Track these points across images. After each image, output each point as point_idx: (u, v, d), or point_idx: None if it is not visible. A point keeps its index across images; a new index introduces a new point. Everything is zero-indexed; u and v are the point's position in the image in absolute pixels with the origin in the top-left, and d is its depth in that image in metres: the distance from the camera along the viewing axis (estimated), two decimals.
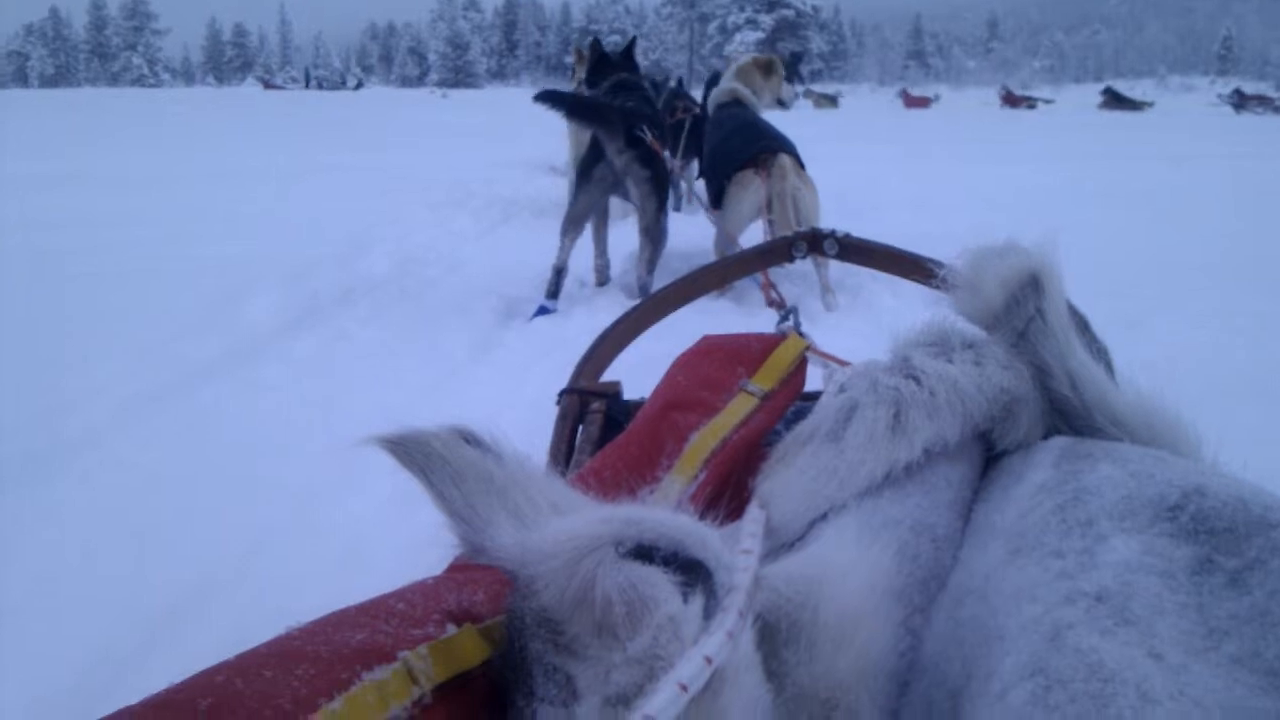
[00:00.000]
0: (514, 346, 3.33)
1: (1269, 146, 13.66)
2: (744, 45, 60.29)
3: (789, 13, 61.89)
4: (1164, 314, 3.59)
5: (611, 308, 3.46)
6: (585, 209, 3.92)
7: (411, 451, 0.59)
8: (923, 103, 28.51)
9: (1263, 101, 26.51)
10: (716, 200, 4.15)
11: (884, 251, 1.79)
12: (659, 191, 3.82)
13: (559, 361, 1.60)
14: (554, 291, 3.87)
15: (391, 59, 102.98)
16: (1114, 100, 28.46)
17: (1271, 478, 0.66)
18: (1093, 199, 7.27)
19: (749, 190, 3.92)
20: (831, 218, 4.08)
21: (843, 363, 1.56)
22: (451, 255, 4.94)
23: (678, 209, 6.00)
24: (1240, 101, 25.92)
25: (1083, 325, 0.96)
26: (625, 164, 3.73)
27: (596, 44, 4.83)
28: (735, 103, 4.65)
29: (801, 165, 4.01)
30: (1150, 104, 28.75)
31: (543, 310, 3.77)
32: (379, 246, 4.95)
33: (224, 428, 2.59)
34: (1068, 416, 0.76)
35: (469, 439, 0.61)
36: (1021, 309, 0.79)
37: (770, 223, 3.82)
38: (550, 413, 1.41)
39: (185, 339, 3.26)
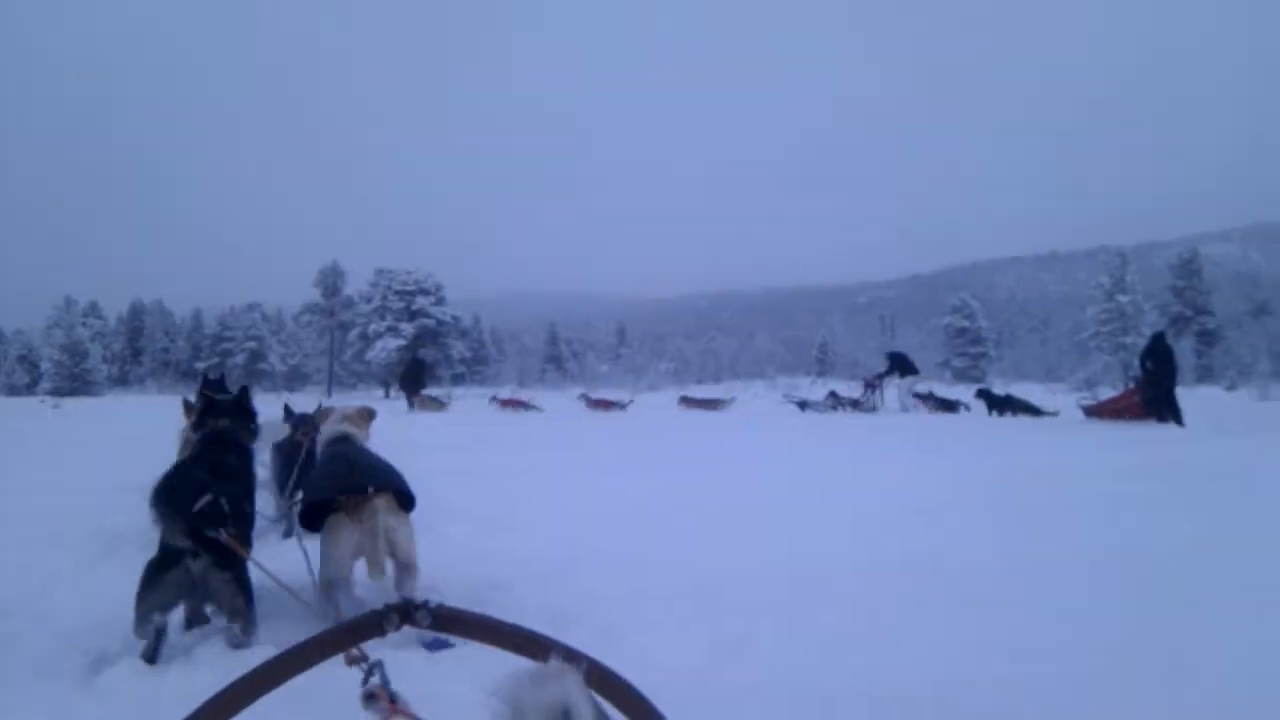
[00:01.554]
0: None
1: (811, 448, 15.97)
2: (385, 351, 61.60)
3: (430, 322, 64.26)
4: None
5: (213, 663, 3.34)
6: (158, 611, 3.53)
7: None
8: (520, 404, 30.63)
9: (837, 400, 31.20)
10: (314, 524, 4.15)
11: (479, 623, 1.83)
12: (243, 590, 3.65)
13: None
14: (151, 656, 3.51)
15: None
16: (691, 401, 32.50)
17: None
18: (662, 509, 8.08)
19: (342, 534, 3.92)
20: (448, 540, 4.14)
21: None
22: (38, 602, 4.51)
23: (288, 535, 5.94)
24: (803, 403, 30.28)
25: None
26: (201, 570, 3.54)
27: (203, 388, 4.80)
28: (343, 438, 4.83)
29: (404, 497, 4.08)
30: (731, 400, 32.89)
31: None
32: None
33: None
34: None
35: None
36: None
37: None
38: None
39: None
